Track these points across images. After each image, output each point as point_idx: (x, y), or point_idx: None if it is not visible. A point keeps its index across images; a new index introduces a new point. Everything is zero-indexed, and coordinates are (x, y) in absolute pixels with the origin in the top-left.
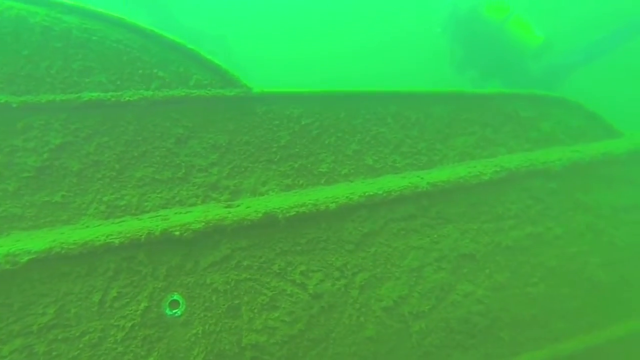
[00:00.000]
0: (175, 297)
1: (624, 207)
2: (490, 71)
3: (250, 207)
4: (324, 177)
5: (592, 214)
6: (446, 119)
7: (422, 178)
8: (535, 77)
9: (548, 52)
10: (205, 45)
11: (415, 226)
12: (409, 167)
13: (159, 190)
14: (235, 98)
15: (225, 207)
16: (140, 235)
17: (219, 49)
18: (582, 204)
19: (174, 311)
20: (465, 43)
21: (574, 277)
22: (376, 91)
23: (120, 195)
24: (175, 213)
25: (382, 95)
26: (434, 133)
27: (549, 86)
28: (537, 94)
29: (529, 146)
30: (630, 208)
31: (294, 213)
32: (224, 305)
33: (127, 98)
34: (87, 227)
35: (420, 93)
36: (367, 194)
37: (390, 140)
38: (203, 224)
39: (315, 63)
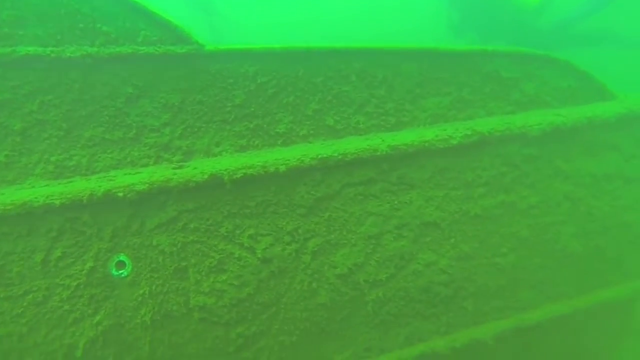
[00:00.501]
0: (122, 257)
1: (605, 175)
2: (490, 32)
3: (197, 169)
4: (281, 137)
5: (571, 183)
6: (417, 77)
7: (382, 140)
8: (543, 35)
9: (549, 7)
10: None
11: (374, 191)
12: (375, 128)
13: (110, 150)
14: (187, 55)
15: (174, 168)
16: (83, 196)
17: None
18: (561, 171)
19: (120, 272)
20: (462, 3)
21: (547, 247)
22: (339, 47)
23: (69, 156)
24: (125, 174)
25: (345, 51)
26: (403, 93)
27: (560, 43)
28: (520, 52)
29: (510, 109)
30: (612, 176)
31: (241, 175)
32: (170, 266)
33: (69, 54)
34: (33, 187)
35: (388, 49)
36: (320, 156)
37: (354, 100)
38: (147, 185)
39: (310, 26)
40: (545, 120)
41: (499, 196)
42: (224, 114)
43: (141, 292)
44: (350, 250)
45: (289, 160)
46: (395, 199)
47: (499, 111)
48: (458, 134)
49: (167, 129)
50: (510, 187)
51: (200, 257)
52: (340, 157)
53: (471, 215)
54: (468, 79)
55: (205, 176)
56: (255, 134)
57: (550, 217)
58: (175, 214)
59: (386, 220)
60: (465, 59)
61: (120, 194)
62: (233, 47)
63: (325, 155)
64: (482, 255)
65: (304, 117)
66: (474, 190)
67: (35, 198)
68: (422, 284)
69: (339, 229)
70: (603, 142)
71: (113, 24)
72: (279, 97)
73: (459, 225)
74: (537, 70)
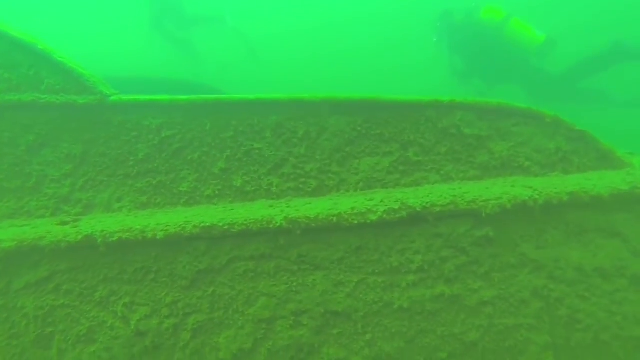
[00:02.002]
0: None
1: (600, 270)
2: (495, 77)
3: (79, 227)
4: (185, 197)
5: (545, 276)
6: (348, 133)
7: (282, 211)
8: (553, 80)
9: (552, 50)
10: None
11: (268, 269)
12: (291, 192)
13: (7, 199)
14: (90, 106)
15: (59, 224)
16: None
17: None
18: (530, 261)
19: None
20: (465, 50)
21: (506, 357)
22: (252, 98)
23: None
24: (16, 225)
25: (259, 102)
26: (330, 152)
27: (568, 93)
28: (490, 104)
29: (475, 173)
30: (610, 273)
31: (117, 238)
32: (33, 333)
33: None
34: None
35: (312, 100)
36: (203, 224)
37: (268, 159)
38: (16, 242)
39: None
40: (511, 193)
41: (437, 287)
42: (127, 168)
43: None
44: (237, 333)
45: (169, 226)
46: (294, 280)
47: (459, 177)
48: (381, 207)
49: (68, 181)
50: (454, 277)
51: (69, 323)
52: (227, 227)
53: (395, 307)
54: (417, 136)
55: (80, 236)
56: (158, 192)
57: (511, 318)
58: (47, 274)
59: (281, 303)
60: (413, 111)
61: None
62: (138, 98)
63: (207, 224)
64: (411, 358)
65: (210, 176)
66: (401, 277)
67: None
68: None
69: (224, 308)
70: (599, 225)
71: (16, 71)
72: (184, 153)
73: (379, 318)
74: (513, 127)
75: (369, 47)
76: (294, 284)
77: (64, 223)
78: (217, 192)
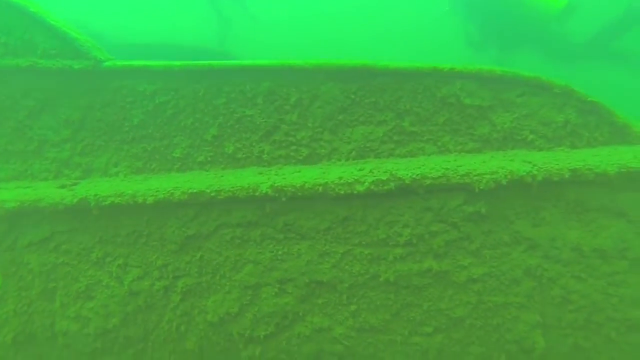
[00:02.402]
0: None
1: (599, 251)
2: (513, 45)
3: (74, 190)
4: (178, 162)
5: (540, 255)
6: (341, 101)
7: (269, 178)
8: (575, 46)
9: (572, 14)
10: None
11: (255, 237)
12: (282, 160)
13: (12, 161)
14: (84, 71)
15: (59, 187)
16: None
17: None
18: (523, 239)
19: None
20: (480, 16)
21: (492, 335)
22: (243, 64)
23: None
24: (21, 187)
25: (251, 68)
26: (322, 119)
27: (596, 57)
28: (491, 72)
29: (474, 146)
30: (610, 254)
31: (109, 202)
32: (39, 286)
33: None
34: None
35: (304, 66)
36: (190, 190)
37: (260, 126)
38: (19, 203)
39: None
40: (508, 168)
41: (425, 262)
42: (123, 133)
43: (6, 309)
44: (224, 297)
45: (158, 191)
46: (280, 248)
47: (457, 149)
48: (369, 178)
49: (67, 145)
50: (443, 252)
51: (69, 280)
52: (214, 194)
53: (381, 280)
54: (413, 105)
55: (75, 200)
56: (152, 157)
57: (501, 296)
58: (49, 234)
59: (267, 271)
60: (410, 79)
61: None
62: (132, 64)
63: (195, 191)
64: (395, 331)
65: (203, 143)
66: (389, 250)
67: None
68: (309, 350)
69: (212, 272)
70: (603, 204)
71: (12, 35)
72: (177, 119)
73: (364, 290)
74: (518, 97)
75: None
76: (280, 252)
77: (64, 186)
78: (209, 159)
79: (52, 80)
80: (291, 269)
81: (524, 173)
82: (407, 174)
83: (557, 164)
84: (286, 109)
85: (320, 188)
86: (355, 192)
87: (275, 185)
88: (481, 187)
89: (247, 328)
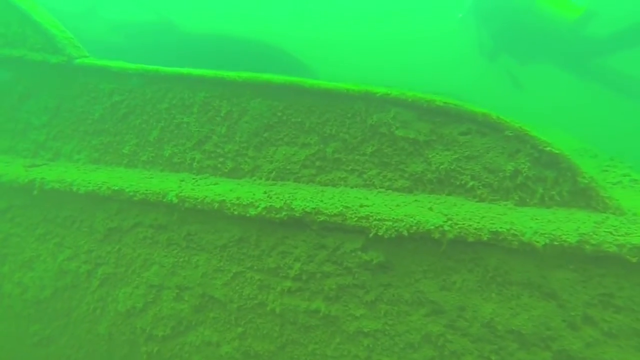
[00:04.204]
0: None
1: (518, 333)
2: (527, 54)
3: (29, 172)
4: (126, 158)
5: (445, 323)
6: (268, 118)
7: (179, 187)
8: (593, 45)
9: (591, 22)
10: None
11: (163, 240)
12: (210, 170)
13: (2, 138)
14: (60, 65)
15: (27, 166)
16: None
17: None
18: (428, 301)
19: None
20: (494, 24)
21: None
22: (182, 72)
23: None
24: (3, 161)
25: (189, 77)
26: (248, 135)
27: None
28: (432, 102)
29: (403, 184)
30: (533, 340)
31: (51, 187)
32: None
33: None
34: None
35: (235, 80)
36: (113, 187)
37: (194, 134)
38: None
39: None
40: (414, 217)
41: (315, 302)
42: (86, 125)
43: None
44: (132, 291)
45: (90, 183)
46: (182, 255)
47: (384, 185)
48: (262, 203)
49: (45, 129)
50: (334, 296)
51: (18, 249)
52: (131, 193)
53: (268, 309)
54: (340, 130)
55: (26, 180)
56: (107, 150)
57: (394, 358)
58: (6, 206)
59: (169, 275)
60: (340, 101)
61: None
62: (95, 62)
63: (116, 188)
64: None
65: (147, 143)
66: (278, 281)
67: None
68: None
69: (125, 266)
70: (530, 280)
71: (9, 28)
72: (129, 119)
73: (252, 315)
74: (462, 135)
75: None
76: (181, 259)
77: (30, 166)
78: (150, 159)
79: (37, 70)
80: (189, 277)
81: (432, 227)
82: (301, 206)
83: (479, 223)
84: (217, 120)
85: (217, 205)
86: (247, 214)
87: (180, 194)
88: (381, 234)
89: (148, 325)
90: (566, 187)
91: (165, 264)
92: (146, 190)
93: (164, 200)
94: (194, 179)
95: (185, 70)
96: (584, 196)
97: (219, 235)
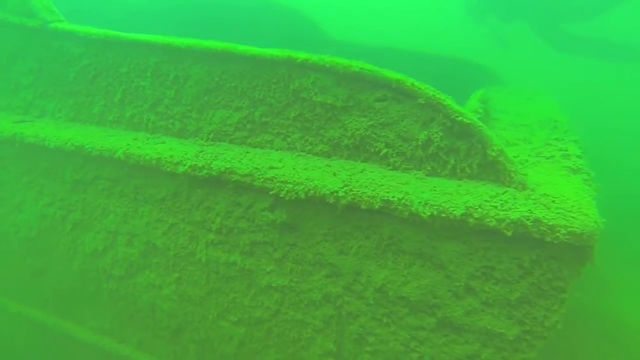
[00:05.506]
0: None
1: (408, 300)
2: (515, 13)
3: (14, 127)
4: (96, 118)
5: (342, 286)
6: (207, 83)
7: (127, 144)
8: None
9: None
10: None
11: (116, 192)
12: (162, 130)
13: (1, 95)
14: (36, 29)
15: (13, 122)
16: None
17: None
18: (327, 264)
19: None
20: None
21: (290, 346)
22: (136, 38)
23: None
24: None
25: (143, 44)
26: (191, 98)
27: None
28: (348, 67)
29: (322, 149)
30: (421, 307)
31: (28, 141)
32: None
33: None
34: None
35: (179, 46)
36: (76, 144)
37: (149, 97)
38: None
39: None
40: (313, 182)
41: (233, 255)
42: (64, 86)
43: None
44: (95, 236)
45: (59, 139)
46: (130, 206)
47: (305, 149)
48: (189, 162)
49: (32, 89)
50: (248, 251)
51: (8, 194)
52: (90, 149)
53: (196, 258)
54: (267, 95)
55: (9, 134)
56: (81, 110)
57: (299, 313)
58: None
59: (121, 223)
60: (266, 67)
61: None
62: (65, 27)
63: (78, 144)
64: (208, 309)
65: (112, 104)
66: (204, 233)
67: None
68: (146, 300)
69: (89, 213)
70: (421, 250)
71: None
72: (97, 81)
73: (185, 263)
74: (377, 102)
75: None
76: (130, 209)
77: (20, 121)
78: (115, 119)
79: (20, 33)
80: (137, 226)
81: (327, 192)
82: (218, 165)
83: (373, 191)
84: (167, 84)
85: (154, 162)
86: (177, 171)
87: (127, 152)
88: (282, 196)
89: (108, 266)
90: (477, 159)
91: (118, 212)
92: (101, 147)
93: (114, 156)
94: (147, 137)
95: (140, 36)
96: (492, 169)
97: (158, 189)
